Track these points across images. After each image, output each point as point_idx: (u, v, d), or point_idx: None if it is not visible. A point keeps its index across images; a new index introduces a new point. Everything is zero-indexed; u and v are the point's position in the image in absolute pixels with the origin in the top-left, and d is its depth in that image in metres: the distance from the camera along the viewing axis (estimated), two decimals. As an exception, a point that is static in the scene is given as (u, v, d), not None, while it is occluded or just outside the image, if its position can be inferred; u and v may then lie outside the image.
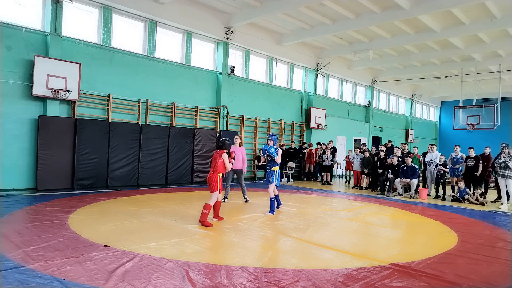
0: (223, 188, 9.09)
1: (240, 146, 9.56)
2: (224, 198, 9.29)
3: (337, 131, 20.29)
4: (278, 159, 7.99)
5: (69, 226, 5.99)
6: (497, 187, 11.53)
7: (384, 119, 25.02)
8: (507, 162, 10.32)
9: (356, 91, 22.88)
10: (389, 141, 15.29)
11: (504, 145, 10.79)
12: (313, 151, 16.79)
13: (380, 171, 13.04)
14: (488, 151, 12.09)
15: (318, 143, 16.99)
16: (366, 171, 13.85)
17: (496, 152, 12.09)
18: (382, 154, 13.06)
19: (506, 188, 10.61)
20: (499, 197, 11.34)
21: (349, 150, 16.49)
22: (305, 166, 17.10)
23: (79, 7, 11.10)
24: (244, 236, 6.04)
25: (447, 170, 12.01)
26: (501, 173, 10.53)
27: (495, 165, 10.82)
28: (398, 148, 13.11)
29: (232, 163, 7.17)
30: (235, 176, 9.65)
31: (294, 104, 18.43)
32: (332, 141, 16.58)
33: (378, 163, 13.14)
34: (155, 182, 12.17)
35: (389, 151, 13.59)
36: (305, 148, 17.08)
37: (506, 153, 10.50)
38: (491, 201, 11.31)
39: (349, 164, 15.52)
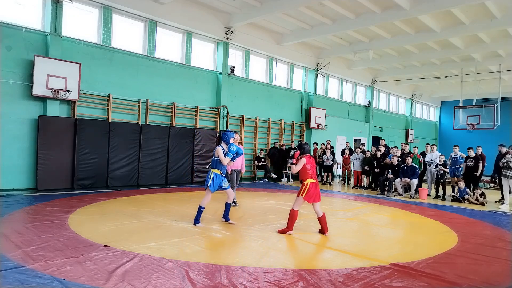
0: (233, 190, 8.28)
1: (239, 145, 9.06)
2: (234, 203, 8.60)
3: (337, 131, 20.28)
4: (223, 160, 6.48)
5: (69, 226, 5.99)
6: (500, 187, 11.51)
7: (384, 119, 25.01)
8: (509, 163, 10.34)
9: (356, 91, 22.86)
10: (382, 139, 15.29)
11: (502, 145, 10.84)
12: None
13: (377, 170, 13.06)
14: (479, 150, 12.00)
15: (315, 143, 17.05)
16: (366, 170, 13.86)
17: (491, 152, 12.06)
18: (378, 154, 13.13)
19: (510, 189, 10.58)
20: (503, 197, 11.32)
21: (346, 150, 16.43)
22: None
23: (79, 7, 11.09)
24: (244, 236, 6.04)
25: (447, 170, 12.01)
26: (503, 173, 10.55)
27: (500, 165, 10.80)
28: (382, 146, 13.59)
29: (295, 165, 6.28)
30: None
31: (294, 104, 18.42)
32: (329, 140, 16.45)
33: (375, 162, 13.17)
34: (155, 182, 12.17)
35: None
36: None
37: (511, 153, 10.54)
38: (495, 202, 11.29)
39: (346, 163, 15.46)
